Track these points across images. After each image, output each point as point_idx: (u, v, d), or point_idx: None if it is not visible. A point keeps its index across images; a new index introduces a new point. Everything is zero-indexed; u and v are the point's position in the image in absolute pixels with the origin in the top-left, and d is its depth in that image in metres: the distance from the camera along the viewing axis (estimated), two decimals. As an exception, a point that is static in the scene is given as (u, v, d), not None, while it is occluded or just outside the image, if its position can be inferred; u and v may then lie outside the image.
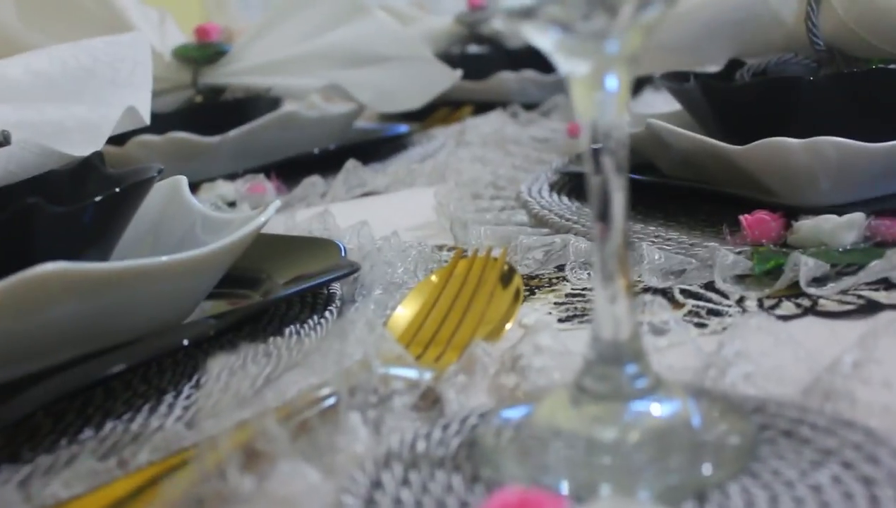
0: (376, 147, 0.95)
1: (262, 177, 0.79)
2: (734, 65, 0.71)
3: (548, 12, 0.27)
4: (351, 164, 0.81)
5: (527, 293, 0.49)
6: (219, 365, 0.33)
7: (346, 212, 0.70)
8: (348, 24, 0.94)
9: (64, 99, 0.56)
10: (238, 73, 0.95)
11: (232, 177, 0.83)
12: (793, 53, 0.68)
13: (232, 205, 0.77)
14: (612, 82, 0.29)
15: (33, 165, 0.51)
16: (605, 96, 0.29)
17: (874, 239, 0.49)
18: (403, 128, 1.01)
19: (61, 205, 0.47)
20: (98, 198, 0.42)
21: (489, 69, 1.20)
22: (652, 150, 0.64)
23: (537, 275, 0.53)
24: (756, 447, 0.30)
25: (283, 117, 0.88)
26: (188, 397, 0.39)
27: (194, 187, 0.80)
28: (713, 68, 0.74)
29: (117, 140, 0.73)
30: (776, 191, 0.55)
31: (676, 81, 0.67)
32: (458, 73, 0.96)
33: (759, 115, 0.60)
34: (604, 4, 0.26)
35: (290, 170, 0.85)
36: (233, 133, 0.86)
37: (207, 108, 0.94)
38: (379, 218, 0.65)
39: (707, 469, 0.28)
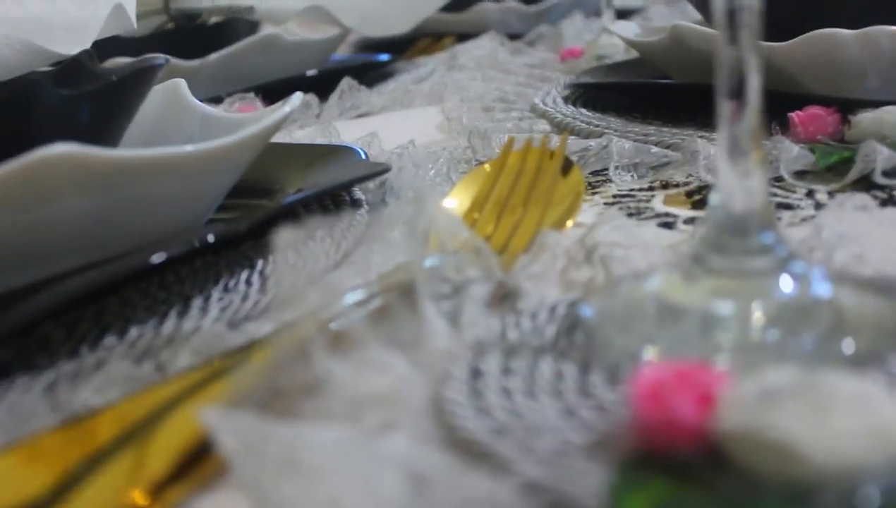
0: (361, 73, 0.90)
1: (251, 95, 0.74)
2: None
3: None
4: (346, 84, 0.76)
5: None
6: (285, 240, 0.28)
7: (345, 132, 0.65)
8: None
9: (45, -4, 0.51)
10: (213, -6, 0.89)
11: (215, 100, 0.78)
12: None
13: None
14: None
15: (16, 64, 0.45)
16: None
17: (938, 131, 0.45)
18: (386, 56, 0.96)
19: (59, 113, 0.42)
20: (105, 83, 0.37)
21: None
22: (674, 60, 0.60)
23: (577, 179, 0.48)
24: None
25: (265, 40, 0.83)
26: (220, 299, 0.34)
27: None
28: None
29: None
30: (821, 91, 0.51)
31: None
32: (448, -7, 0.91)
33: (789, 13, 0.57)
34: None
35: (276, 96, 0.80)
36: (213, 57, 0.81)
37: (183, 32, 0.88)
38: (382, 136, 0.61)
39: (849, 348, 0.24)
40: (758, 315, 0.25)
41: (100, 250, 0.37)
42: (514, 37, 1.10)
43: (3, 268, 0.34)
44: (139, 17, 0.89)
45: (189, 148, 0.36)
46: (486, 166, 0.39)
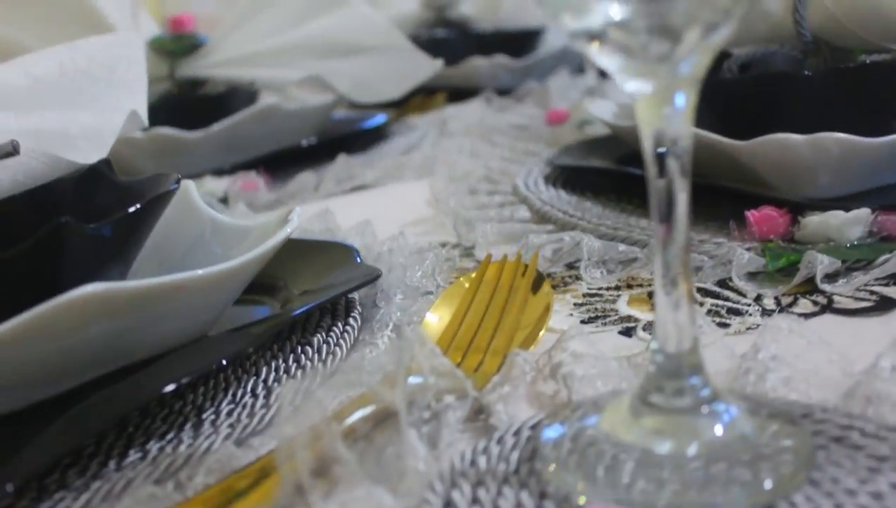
0: (357, 137, 0.94)
1: (253, 174, 0.79)
2: (720, 55, 0.72)
3: (613, 37, 0.28)
4: (341, 159, 0.81)
5: (543, 294, 0.50)
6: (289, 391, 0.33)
7: (341, 208, 0.70)
8: (326, 14, 0.93)
9: (64, 103, 0.55)
10: (216, 64, 0.94)
11: (219, 172, 0.83)
12: (778, 44, 0.69)
13: (223, 201, 0.76)
14: (681, 100, 0.29)
15: (41, 174, 0.50)
16: (673, 112, 0.29)
17: (880, 233, 0.50)
18: (382, 117, 1.01)
19: (73, 214, 0.47)
20: (123, 214, 0.42)
21: (458, 53, 1.20)
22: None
23: (549, 274, 0.53)
24: (813, 455, 0.31)
25: (265, 110, 0.88)
26: (229, 413, 0.39)
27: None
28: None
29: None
30: (776, 184, 0.56)
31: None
32: (439, 62, 0.95)
33: (753, 110, 0.62)
34: (666, 32, 0.27)
35: (276, 163, 0.85)
36: (216, 127, 0.86)
37: (185, 102, 0.93)
38: (375, 213, 0.65)
39: (769, 483, 0.29)
40: (688, 452, 0.30)
41: (120, 361, 0.41)
42: (504, 91, 1.15)
43: (34, 385, 0.39)
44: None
45: (200, 272, 0.40)
46: (465, 282, 0.43)
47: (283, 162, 0.86)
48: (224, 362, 0.38)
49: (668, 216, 0.31)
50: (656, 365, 0.32)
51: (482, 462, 0.32)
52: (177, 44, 0.94)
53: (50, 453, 0.34)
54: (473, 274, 0.44)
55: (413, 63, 0.94)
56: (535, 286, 0.43)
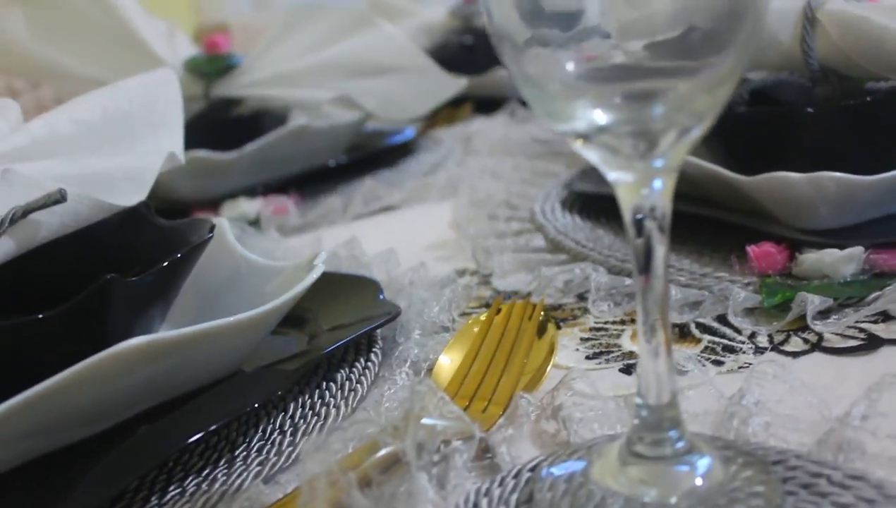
0: (385, 154, 0.98)
1: (284, 198, 0.83)
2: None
3: (597, 139, 0.31)
4: (368, 182, 0.85)
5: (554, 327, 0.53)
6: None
7: (367, 230, 0.74)
8: (355, 35, 0.97)
9: (107, 146, 0.59)
10: (249, 85, 0.98)
11: (251, 193, 0.87)
12: (788, 72, 0.72)
13: (254, 223, 0.80)
14: (658, 184, 0.32)
15: (85, 217, 0.54)
16: (651, 192, 0.33)
17: (873, 270, 0.53)
18: (410, 131, 1.04)
19: (115, 254, 0.51)
20: (164, 264, 0.46)
21: (484, 63, 1.23)
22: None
23: (560, 305, 0.56)
24: (783, 501, 0.34)
25: (296, 131, 0.91)
26: (259, 450, 0.43)
27: (216, 204, 0.84)
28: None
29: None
30: (779, 216, 0.59)
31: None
32: (463, 81, 0.99)
33: (761, 140, 0.64)
34: (645, 135, 0.30)
35: (306, 181, 0.89)
36: (248, 148, 0.89)
37: (218, 122, 0.97)
38: (399, 237, 0.69)
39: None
40: (669, 500, 0.33)
41: (161, 397, 0.45)
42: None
43: (83, 424, 0.43)
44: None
45: (231, 319, 0.44)
46: (474, 326, 0.47)
47: (314, 178, 0.90)
48: (256, 405, 0.42)
49: (646, 268, 0.34)
50: (639, 417, 0.35)
51: (484, 503, 0.36)
52: (211, 65, 0.98)
53: (100, 495, 0.38)
54: (484, 317, 0.48)
55: (438, 82, 0.98)
56: (541, 330, 0.46)
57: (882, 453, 0.36)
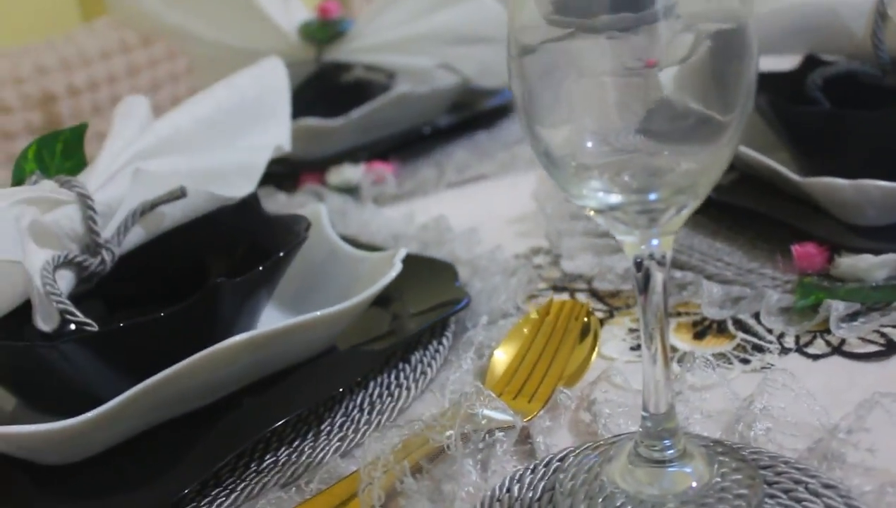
0: (480, 119, 1.05)
1: (383, 168, 0.90)
2: (809, 62, 0.78)
3: (608, 214, 0.37)
4: (461, 153, 0.92)
5: (607, 314, 0.60)
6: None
7: (457, 202, 0.81)
8: (455, 5, 1.02)
9: (221, 138, 0.68)
10: (358, 50, 1.05)
11: (354, 157, 0.94)
12: (859, 62, 0.75)
13: (354, 190, 0.88)
14: (656, 242, 0.38)
15: (202, 208, 0.63)
16: (650, 247, 0.39)
17: (908, 275, 0.57)
18: (508, 93, 1.10)
19: (227, 240, 0.60)
20: (267, 263, 0.54)
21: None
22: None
23: (618, 292, 0.63)
24: (761, 504, 0.40)
25: (399, 97, 0.98)
26: (340, 426, 0.51)
27: (323, 168, 0.93)
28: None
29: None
30: (831, 211, 0.63)
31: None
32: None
33: (822, 136, 0.69)
34: (648, 212, 0.36)
35: (406, 144, 0.97)
36: (354, 115, 0.97)
37: (326, 87, 1.05)
38: (485, 209, 0.77)
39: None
40: (666, 499, 0.40)
41: (261, 374, 0.54)
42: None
43: (192, 400, 0.52)
44: (293, 65, 1.07)
45: (322, 313, 0.52)
46: (524, 327, 0.54)
47: (413, 142, 0.98)
48: (341, 389, 0.50)
49: (644, 289, 0.40)
50: (643, 425, 0.42)
51: (515, 489, 0.43)
52: (323, 31, 1.06)
53: (212, 459, 0.47)
54: (536, 315, 0.55)
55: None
56: (585, 331, 0.53)
57: (860, 464, 0.42)
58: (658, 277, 0.40)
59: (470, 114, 1.04)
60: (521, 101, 0.38)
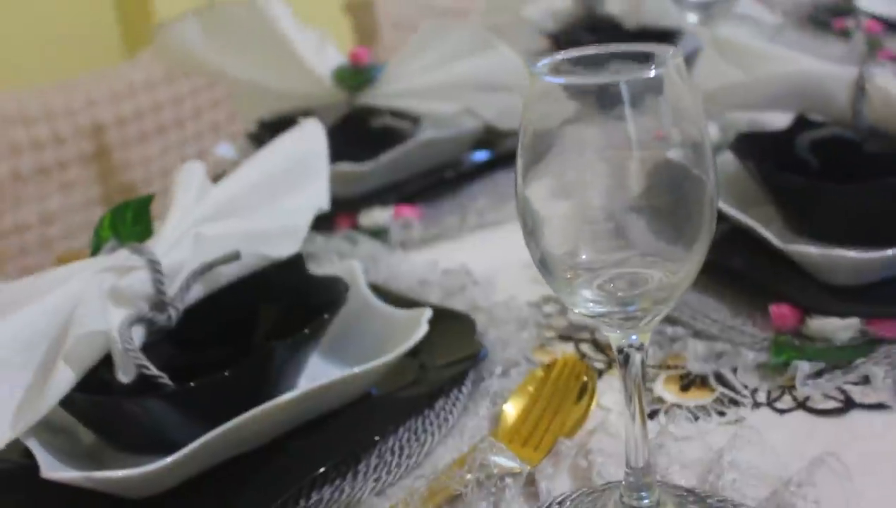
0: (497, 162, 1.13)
1: (409, 213, 0.99)
2: (800, 121, 0.86)
3: (595, 318, 0.46)
4: (481, 201, 1.01)
5: (606, 365, 0.69)
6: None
7: (477, 246, 0.91)
8: (478, 56, 1.11)
9: (269, 200, 0.77)
10: (386, 95, 1.14)
11: (383, 199, 1.03)
12: (843, 127, 0.83)
13: (383, 234, 0.97)
14: (635, 337, 0.47)
15: (252, 267, 0.72)
16: (632, 340, 0.48)
17: (868, 337, 0.65)
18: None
19: (275, 295, 0.69)
20: (311, 328, 0.63)
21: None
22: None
23: (616, 344, 0.71)
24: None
25: (425, 142, 1.07)
26: (375, 468, 0.60)
27: (355, 209, 1.02)
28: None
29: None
30: (808, 271, 0.71)
31: (745, 145, 0.83)
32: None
33: (803, 202, 0.77)
34: (629, 318, 0.45)
35: (425, 195, 1.06)
36: (383, 159, 1.06)
37: (356, 130, 1.14)
38: (502, 253, 0.85)
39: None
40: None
41: (305, 419, 0.63)
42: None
43: (246, 444, 0.61)
44: (324, 109, 1.15)
45: (357, 370, 0.61)
46: (529, 386, 0.63)
47: (434, 189, 1.07)
48: (377, 438, 0.59)
49: (625, 365, 0.49)
50: (625, 478, 0.51)
51: (521, 530, 0.52)
52: (355, 78, 1.15)
53: (272, 495, 0.56)
54: (541, 373, 0.64)
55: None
56: (583, 390, 0.62)
57: (806, 515, 0.51)
58: (636, 357, 0.49)
59: (491, 158, 1.13)
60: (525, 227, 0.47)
